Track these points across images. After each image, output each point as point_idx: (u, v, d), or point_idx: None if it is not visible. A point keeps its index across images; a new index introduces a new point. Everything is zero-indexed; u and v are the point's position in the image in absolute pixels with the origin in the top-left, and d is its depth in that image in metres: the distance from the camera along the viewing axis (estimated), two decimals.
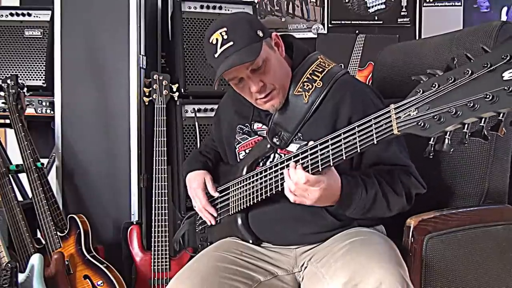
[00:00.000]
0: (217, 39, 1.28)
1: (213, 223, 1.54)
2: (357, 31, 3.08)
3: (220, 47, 1.27)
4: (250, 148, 1.46)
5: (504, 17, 3.00)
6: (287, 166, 1.23)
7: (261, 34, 1.31)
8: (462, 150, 1.49)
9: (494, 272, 1.40)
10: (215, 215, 1.53)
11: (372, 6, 3.08)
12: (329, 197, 1.21)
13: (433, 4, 3.08)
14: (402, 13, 3.07)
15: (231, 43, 1.27)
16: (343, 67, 1.46)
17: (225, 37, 1.27)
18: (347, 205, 1.24)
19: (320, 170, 1.16)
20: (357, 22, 3.09)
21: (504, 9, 3.01)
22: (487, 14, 3.03)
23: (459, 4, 3.06)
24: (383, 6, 3.08)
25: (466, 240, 1.36)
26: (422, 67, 1.64)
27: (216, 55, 1.29)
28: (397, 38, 3.01)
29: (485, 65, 0.85)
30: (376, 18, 3.08)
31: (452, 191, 1.52)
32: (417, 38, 3.03)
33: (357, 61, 3.02)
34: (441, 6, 3.07)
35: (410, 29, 3.07)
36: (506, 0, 3.00)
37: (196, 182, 1.54)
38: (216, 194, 1.52)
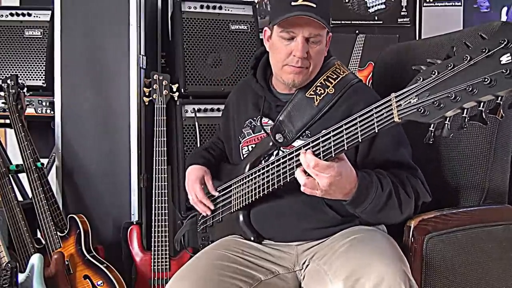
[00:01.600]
0: None
1: (209, 213, 1.55)
2: (357, 31, 3.08)
3: (303, 1, 1.29)
4: (253, 145, 1.47)
5: (504, 17, 3.00)
6: (290, 159, 1.24)
7: (330, 23, 1.36)
8: (463, 151, 1.49)
9: (495, 272, 1.40)
10: (212, 207, 1.54)
11: (372, 6, 3.08)
12: (341, 187, 1.15)
13: (433, 4, 3.08)
14: (402, 13, 3.07)
15: (315, 5, 1.29)
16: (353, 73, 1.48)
17: None
18: (361, 201, 1.20)
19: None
20: (357, 22, 3.09)
21: (504, 9, 3.01)
22: (487, 14, 3.03)
23: (459, 4, 3.06)
24: (383, 6, 3.08)
25: (466, 240, 1.36)
26: None
27: (294, 3, 1.29)
28: (397, 38, 3.01)
29: (483, 50, 0.86)
30: (376, 18, 3.08)
31: (452, 191, 1.52)
32: (417, 38, 3.03)
33: (357, 61, 3.02)
34: (441, 6, 3.07)
35: (410, 29, 3.07)
36: (506, 0, 3.00)
37: (194, 176, 1.56)
38: (216, 194, 1.53)
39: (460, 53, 0.90)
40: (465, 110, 0.90)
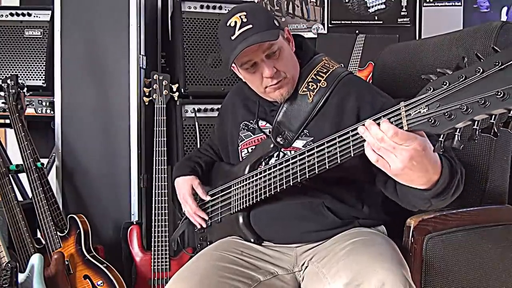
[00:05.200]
0: (235, 22, 1.29)
1: (204, 226, 1.56)
2: (357, 31, 3.08)
3: (239, 29, 1.28)
4: (252, 146, 1.47)
5: (504, 17, 3.00)
6: (293, 163, 1.24)
7: (277, 24, 1.34)
8: (462, 151, 1.49)
9: (494, 272, 1.40)
10: (206, 218, 1.56)
11: (372, 6, 3.08)
12: (422, 167, 1.00)
13: (433, 4, 3.08)
14: (402, 13, 3.07)
15: (251, 25, 1.28)
16: (343, 67, 1.48)
17: (245, 20, 1.29)
18: (445, 191, 1.08)
19: (327, 167, 1.16)
20: (357, 22, 3.09)
21: (504, 9, 3.01)
22: (487, 14, 3.03)
23: (459, 4, 3.06)
24: (383, 6, 3.08)
25: (466, 240, 1.36)
26: (422, 68, 1.64)
27: (233, 37, 1.29)
28: (397, 38, 3.01)
29: (496, 64, 0.85)
30: (376, 18, 3.09)
31: None
32: (417, 38, 3.03)
33: (357, 61, 3.02)
34: (441, 6, 3.07)
35: (410, 29, 3.07)
36: (506, 0, 3.01)
37: (184, 188, 1.57)
38: (207, 198, 1.55)
39: (471, 65, 0.90)
40: (476, 122, 0.90)
